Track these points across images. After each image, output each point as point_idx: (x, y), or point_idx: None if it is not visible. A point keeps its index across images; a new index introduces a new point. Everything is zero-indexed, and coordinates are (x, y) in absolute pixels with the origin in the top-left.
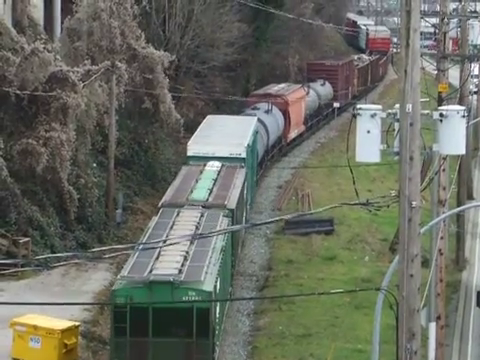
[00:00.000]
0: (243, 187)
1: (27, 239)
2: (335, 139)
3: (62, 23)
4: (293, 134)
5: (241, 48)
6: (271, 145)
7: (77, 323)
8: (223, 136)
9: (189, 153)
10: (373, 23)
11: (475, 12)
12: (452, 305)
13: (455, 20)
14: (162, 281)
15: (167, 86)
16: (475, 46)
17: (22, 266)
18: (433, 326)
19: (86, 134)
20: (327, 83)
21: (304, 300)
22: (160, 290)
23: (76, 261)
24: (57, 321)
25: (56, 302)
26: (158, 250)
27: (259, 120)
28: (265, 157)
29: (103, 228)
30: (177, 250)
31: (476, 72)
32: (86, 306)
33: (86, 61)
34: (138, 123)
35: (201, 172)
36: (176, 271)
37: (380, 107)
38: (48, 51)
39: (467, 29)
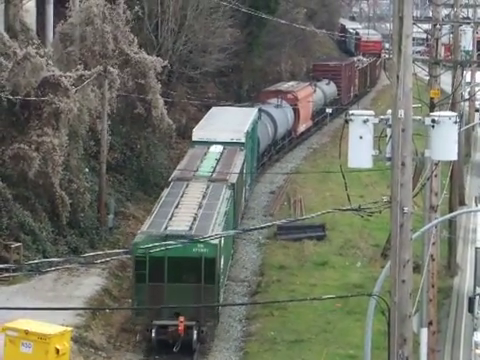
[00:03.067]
0: (242, 167)
1: (19, 244)
2: (327, 145)
3: (55, 28)
4: (302, 128)
5: (233, 54)
6: (280, 137)
7: (69, 328)
8: (225, 124)
9: (194, 138)
10: (361, 27)
11: (467, 18)
12: (444, 311)
13: (447, 26)
14: (176, 235)
15: (159, 91)
16: (467, 52)
17: (14, 271)
18: (425, 332)
19: (78, 139)
20: (332, 82)
21: (296, 306)
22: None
23: (68, 266)
24: (49, 326)
25: (48, 307)
26: (172, 212)
27: (267, 113)
28: (272, 147)
29: (95, 233)
30: (188, 212)
31: (468, 79)
32: (78, 311)
33: (79, 66)
34: (130, 128)
35: (205, 154)
36: (187, 227)
37: (372, 113)
38: (40, 56)
39: (459, 35)
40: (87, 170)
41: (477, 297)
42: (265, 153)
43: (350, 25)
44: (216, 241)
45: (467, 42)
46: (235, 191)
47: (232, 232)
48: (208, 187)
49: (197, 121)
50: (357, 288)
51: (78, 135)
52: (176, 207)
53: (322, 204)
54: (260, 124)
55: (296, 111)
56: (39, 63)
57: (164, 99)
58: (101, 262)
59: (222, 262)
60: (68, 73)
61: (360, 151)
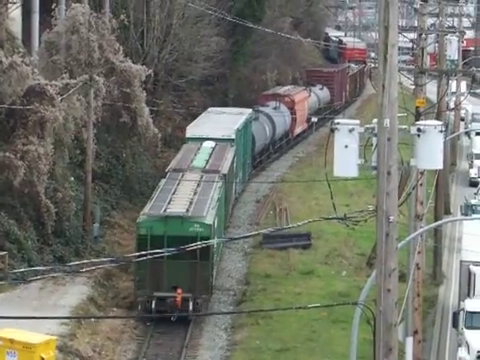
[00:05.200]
0: (233, 160)
1: (4, 253)
2: (313, 154)
3: (40, 36)
4: (298, 130)
5: (219, 62)
6: (278, 137)
7: (54, 337)
8: (217, 122)
9: (188, 135)
10: (343, 35)
11: (452, 28)
12: (429, 320)
13: (433, 35)
14: (174, 216)
15: (145, 100)
16: (452, 61)
17: None
18: (410, 341)
19: (64, 148)
20: (325, 88)
21: (281, 314)
22: (173, 223)
23: (53, 275)
24: (34, 335)
25: (33, 316)
26: (170, 197)
27: (266, 114)
28: (271, 146)
29: (80, 242)
30: (185, 197)
31: (454, 88)
32: (63, 320)
33: (64, 75)
34: (116, 137)
35: (199, 149)
36: (185, 209)
37: (358, 122)
38: (26, 64)
39: (445, 44)
40: (72, 179)
41: (461, 312)
42: (263, 151)
43: (333, 33)
44: (210, 222)
45: (452, 51)
46: (226, 180)
47: (217, 241)
48: (202, 177)
49: (183, 130)
50: (342, 297)
51: (63, 144)
52: (173, 193)
53: (308, 213)
54: (258, 124)
55: (293, 113)
56: (25, 72)
57: (150, 108)
58: (86, 271)
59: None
60: (54, 82)
61: (346, 160)
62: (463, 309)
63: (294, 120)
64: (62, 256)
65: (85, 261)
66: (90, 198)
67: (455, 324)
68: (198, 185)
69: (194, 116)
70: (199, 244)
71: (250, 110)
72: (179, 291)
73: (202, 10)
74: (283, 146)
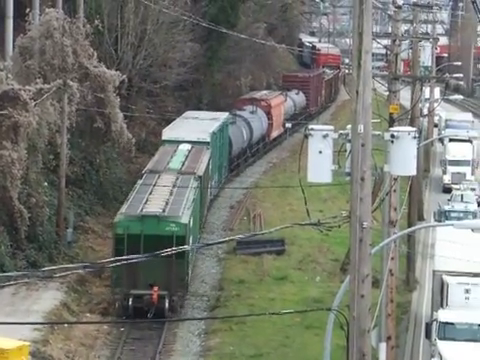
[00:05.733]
0: (208, 163)
1: None
2: (287, 159)
3: (14, 41)
4: (275, 133)
5: (193, 68)
6: (255, 141)
7: (27, 343)
8: (194, 125)
9: (164, 137)
10: (317, 40)
11: (426, 34)
12: (402, 326)
13: (407, 42)
14: (151, 215)
15: (119, 105)
16: (426, 68)
17: None
18: (383, 347)
19: (37, 153)
20: (301, 92)
21: (255, 320)
22: (149, 222)
23: (26, 280)
24: (6, 341)
25: (6, 321)
26: (146, 197)
27: (243, 118)
28: (248, 150)
29: (54, 247)
30: (161, 197)
31: (427, 95)
32: (36, 326)
33: (38, 80)
34: (89, 142)
35: (175, 151)
36: (161, 209)
37: (332, 128)
38: (0, 70)
39: (418, 51)
40: (46, 184)
41: (434, 323)
42: (240, 155)
43: (307, 39)
44: (186, 221)
45: (426, 58)
46: (201, 182)
47: (191, 247)
48: (178, 178)
49: (157, 135)
50: (316, 303)
51: (37, 149)
52: (150, 194)
53: (281, 219)
54: (235, 128)
55: (270, 118)
56: None
57: (124, 113)
58: (60, 276)
59: (191, 240)
60: (27, 87)
61: (319, 166)
62: (436, 320)
63: (271, 124)
64: (35, 261)
65: (58, 266)
66: (64, 203)
67: (428, 335)
68: (174, 186)
69: (168, 121)
70: (174, 249)
71: (227, 114)
72: (155, 289)
73: (176, 16)
74: (260, 150)
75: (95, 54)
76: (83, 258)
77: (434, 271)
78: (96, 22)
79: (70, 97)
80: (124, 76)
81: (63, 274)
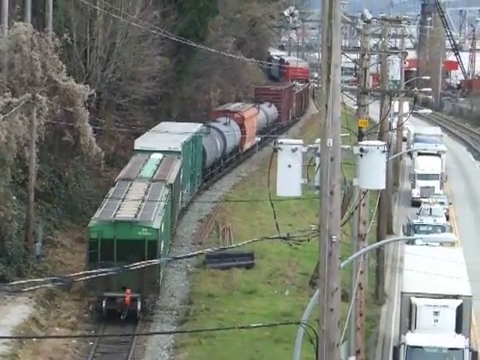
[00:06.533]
0: (179, 171)
1: None
2: (256, 173)
3: None
4: (248, 145)
5: (163, 82)
6: (229, 152)
7: None
8: (166, 135)
9: (136, 147)
10: (286, 54)
11: (395, 48)
12: (372, 339)
13: (375, 56)
14: (124, 220)
15: (88, 119)
16: (395, 82)
17: None
18: None
19: (6, 167)
20: (273, 105)
21: (224, 334)
22: (122, 227)
23: None
24: None
25: None
26: (119, 203)
27: (217, 129)
28: (222, 161)
29: (22, 261)
30: (133, 204)
31: (396, 109)
32: (4, 340)
33: (7, 93)
34: (59, 156)
35: (147, 160)
36: (133, 215)
37: (301, 141)
38: None
39: (387, 65)
40: (15, 198)
41: (402, 346)
42: (214, 165)
43: (275, 53)
44: (158, 226)
45: (395, 72)
46: (172, 190)
47: (159, 261)
48: (149, 186)
49: (126, 149)
50: (285, 316)
51: (6, 163)
52: (122, 200)
53: (251, 232)
54: (209, 139)
55: (243, 129)
56: None
57: (93, 127)
58: (28, 290)
59: (162, 244)
60: None
61: (289, 180)
62: (404, 343)
63: (244, 136)
64: (4, 275)
65: (27, 280)
66: (32, 217)
67: (396, 359)
68: (146, 193)
69: (137, 135)
70: (144, 263)
71: (200, 125)
72: (128, 291)
73: (146, 30)
74: (233, 161)
75: (64, 68)
76: (52, 272)
77: (402, 293)
78: (65, 36)
79: (39, 111)
80: (93, 90)
81: (32, 288)
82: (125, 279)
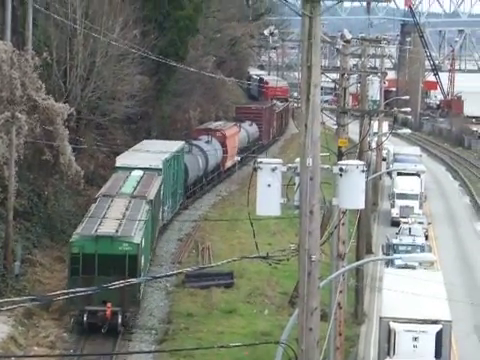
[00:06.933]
0: (160, 188)
1: None
2: (236, 192)
3: None
4: (229, 163)
5: (142, 101)
6: (210, 170)
7: None
8: (147, 152)
9: (117, 164)
10: (266, 73)
11: (374, 68)
12: (351, 359)
13: (355, 76)
14: (105, 235)
15: (67, 138)
16: (374, 101)
17: None
18: None
19: None
20: (254, 124)
21: (203, 354)
22: (103, 242)
23: None
24: None
25: None
26: (100, 219)
27: (199, 147)
28: (204, 178)
29: (1, 280)
30: (114, 219)
31: (376, 128)
32: None
33: None
34: (38, 175)
35: (127, 177)
36: (114, 230)
37: (280, 161)
38: None
39: (367, 85)
40: None
41: None
42: (196, 183)
43: (255, 72)
44: (138, 241)
45: (374, 92)
46: (152, 206)
47: (138, 280)
48: (130, 202)
49: (105, 168)
50: (265, 336)
51: None
52: (104, 216)
53: (230, 252)
54: (191, 157)
55: (224, 148)
56: None
57: (72, 146)
58: (7, 310)
59: (143, 259)
60: None
61: (268, 199)
62: None
63: (225, 154)
64: None
65: (5, 300)
66: (11, 236)
67: None
68: (126, 209)
69: (117, 154)
70: (123, 282)
71: (182, 143)
72: (109, 305)
73: (125, 49)
74: (215, 178)
75: (44, 86)
76: (31, 291)
77: (381, 317)
78: (45, 54)
79: (18, 130)
80: (73, 109)
81: (10, 307)
82: (106, 293)
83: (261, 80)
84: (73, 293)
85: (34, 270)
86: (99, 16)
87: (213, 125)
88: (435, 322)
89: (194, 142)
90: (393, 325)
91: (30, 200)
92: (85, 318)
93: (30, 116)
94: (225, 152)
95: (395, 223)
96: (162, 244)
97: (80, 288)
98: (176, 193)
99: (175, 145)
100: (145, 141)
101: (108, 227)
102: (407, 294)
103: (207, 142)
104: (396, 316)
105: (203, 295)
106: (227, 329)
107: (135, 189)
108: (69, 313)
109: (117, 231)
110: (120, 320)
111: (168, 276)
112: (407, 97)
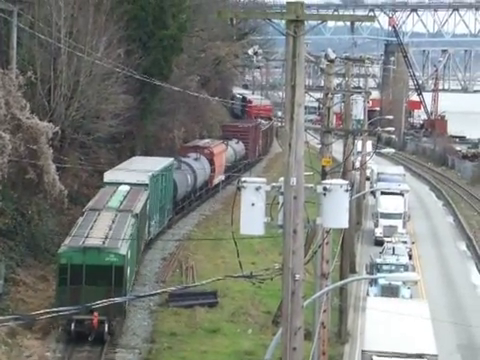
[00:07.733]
0: (146, 203)
1: None
2: (220, 212)
3: None
4: (217, 180)
5: (126, 120)
6: (199, 186)
7: None
8: (135, 168)
9: (105, 180)
10: (250, 92)
11: (358, 88)
12: None
13: (339, 95)
14: (92, 247)
15: (51, 157)
16: (358, 121)
17: None
18: None
19: None
20: (240, 142)
21: None
22: (91, 253)
23: None
24: None
25: None
26: (87, 231)
27: (187, 164)
28: (192, 194)
29: None
30: (101, 231)
31: (359, 148)
32: None
33: None
34: (21, 193)
35: (114, 191)
36: (101, 242)
37: (264, 180)
38: None
39: (351, 104)
40: None
41: None
42: (185, 198)
43: (238, 91)
44: (124, 252)
45: (358, 111)
46: (138, 219)
47: (123, 299)
48: (116, 215)
49: (89, 187)
50: (248, 355)
51: None
52: (91, 229)
53: (214, 271)
54: (180, 173)
55: (212, 165)
56: None
57: (56, 165)
58: None
59: (129, 270)
60: None
61: (252, 218)
62: None
63: (213, 171)
64: None
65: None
66: None
67: None
68: (113, 222)
69: (101, 173)
70: (107, 301)
71: (171, 160)
72: (95, 314)
73: (110, 68)
74: (203, 195)
75: (28, 105)
76: (14, 310)
77: (363, 351)
78: (29, 73)
79: (2, 148)
80: (57, 128)
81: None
82: (92, 302)
83: (244, 99)
84: (56, 312)
85: (17, 289)
86: (83, 35)
87: (201, 143)
88: (420, 356)
89: (183, 159)
90: (376, 359)
91: (14, 219)
92: (72, 327)
93: (14, 135)
94: (213, 170)
95: (379, 242)
96: (146, 263)
97: (68, 297)
98: (164, 208)
99: (164, 162)
100: (134, 158)
101: (95, 239)
102: (391, 326)
103: (196, 159)
104: (379, 350)
105: (187, 314)
106: (211, 348)
107: (121, 203)
108: (56, 323)
109: (104, 243)
110: (107, 329)
111: (152, 295)
112: (391, 117)
